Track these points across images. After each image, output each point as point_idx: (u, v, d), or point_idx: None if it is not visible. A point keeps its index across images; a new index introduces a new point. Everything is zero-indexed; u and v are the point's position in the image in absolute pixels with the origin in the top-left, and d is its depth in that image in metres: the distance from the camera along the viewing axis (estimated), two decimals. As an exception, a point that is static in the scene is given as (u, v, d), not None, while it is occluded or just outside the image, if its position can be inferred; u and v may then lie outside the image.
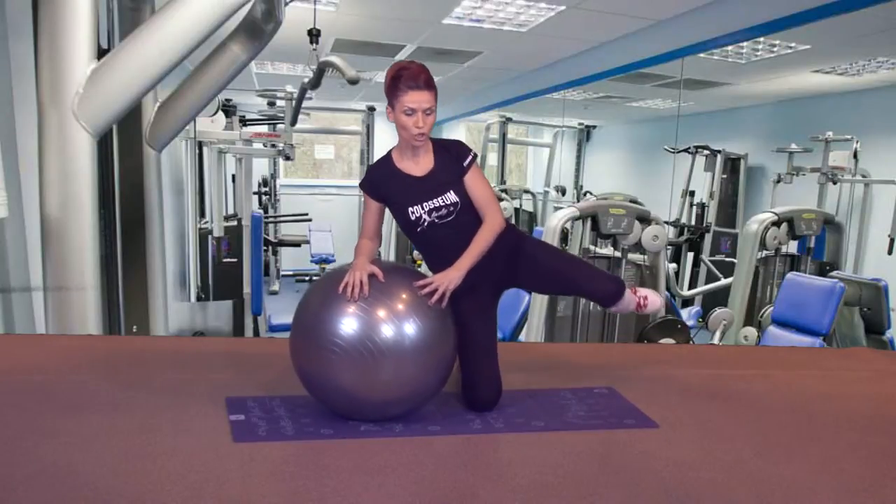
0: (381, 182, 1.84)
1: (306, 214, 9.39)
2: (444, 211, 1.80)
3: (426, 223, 1.80)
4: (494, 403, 1.87)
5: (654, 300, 2.13)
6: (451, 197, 1.80)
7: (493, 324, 1.94)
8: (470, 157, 1.84)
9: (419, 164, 1.83)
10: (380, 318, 1.66)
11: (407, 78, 1.74)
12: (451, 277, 1.75)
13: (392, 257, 8.53)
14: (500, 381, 1.88)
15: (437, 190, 1.80)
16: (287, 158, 6.33)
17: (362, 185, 1.88)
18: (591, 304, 4.40)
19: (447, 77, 7.35)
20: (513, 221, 8.16)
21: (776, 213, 5.04)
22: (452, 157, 1.83)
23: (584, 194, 9.70)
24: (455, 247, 1.79)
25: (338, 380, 1.67)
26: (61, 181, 2.55)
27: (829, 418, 1.96)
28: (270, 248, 9.45)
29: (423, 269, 2.30)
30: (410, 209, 1.80)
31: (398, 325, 1.66)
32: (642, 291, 2.12)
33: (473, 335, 1.84)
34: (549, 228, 4.20)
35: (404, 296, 1.71)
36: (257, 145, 6.88)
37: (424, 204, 1.80)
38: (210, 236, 5.95)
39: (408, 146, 1.81)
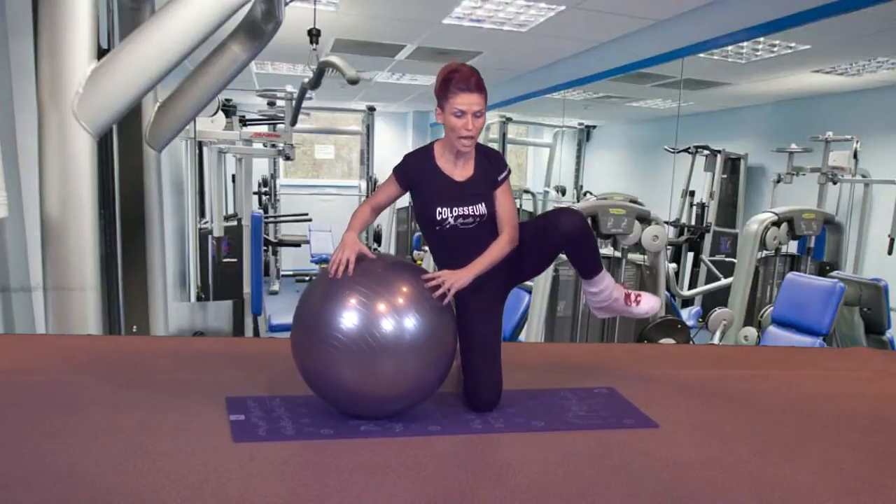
0: (417, 174, 1.84)
1: (306, 214, 9.39)
2: (470, 219, 1.81)
3: (448, 226, 1.81)
4: (495, 404, 1.87)
5: (649, 299, 2.05)
6: (482, 208, 1.81)
7: (498, 325, 1.94)
8: (506, 173, 1.85)
9: (460, 169, 1.83)
10: (380, 312, 1.66)
11: (458, 80, 1.74)
12: (459, 277, 1.76)
13: (392, 257, 8.51)
14: (502, 382, 1.88)
15: (471, 199, 1.81)
16: (287, 158, 6.33)
17: (396, 170, 1.86)
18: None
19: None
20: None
21: (776, 213, 5.03)
22: (492, 169, 1.84)
23: (584, 194, 9.71)
24: (467, 251, 1.80)
25: (338, 375, 1.67)
26: (61, 181, 2.55)
27: (829, 418, 1.96)
28: (270, 248, 9.46)
29: (423, 267, 2.29)
30: (439, 209, 1.80)
31: (398, 320, 1.66)
32: (637, 292, 2.06)
33: (478, 336, 1.84)
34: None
35: (405, 290, 1.71)
36: (257, 145, 6.88)
37: (454, 209, 1.80)
38: (210, 236, 5.95)
39: (453, 149, 1.81)
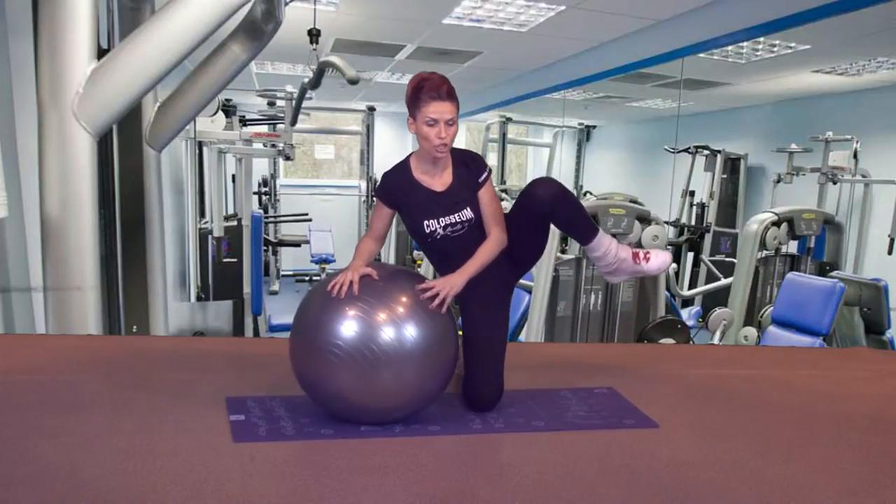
0: (398, 192, 1.83)
1: (306, 214, 9.39)
2: (459, 226, 1.81)
3: (439, 236, 1.81)
4: (495, 404, 1.87)
5: (658, 255, 1.98)
6: (468, 213, 1.81)
7: (502, 321, 1.91)
8: (486, 174, 1.85)
9: (438, 178, 1.82)
10: (380, 321, 1.64)
11: (429, 88, 1.73)
12: (452, 283, 1.75)
13: (392, 257, 8.54)
14: (503, 383, 1.88)
15: (455, 206, 1.80)
16: (287, 158, 6.33)
17: (378, 192, 1.86)
18: (591, 304, 4.40)
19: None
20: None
21: (776, 213, 5.04)
22: (470, 172, 1.83)
23: (584, 194, 9.71)
24: (461, 255, 1.80)
25: (337, 384, 1.66)
26: (61, 181, 2.54)
27: (829, 418, 1.95)
28: (270, 248, 9.45)
29: (423, 268, 2.29)
30: (426, 223, 1.80)
31: (399, 329, 1.65)
32: (646, 250, 2.00)
33: (479, 335, 1.84)
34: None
35: (405, 300, 1.70)
36: (257, 145, 6.88)
37: (441, 219, 1.80)
38: (210, 236, 5.95)
39: (428, 157, 1.80)
